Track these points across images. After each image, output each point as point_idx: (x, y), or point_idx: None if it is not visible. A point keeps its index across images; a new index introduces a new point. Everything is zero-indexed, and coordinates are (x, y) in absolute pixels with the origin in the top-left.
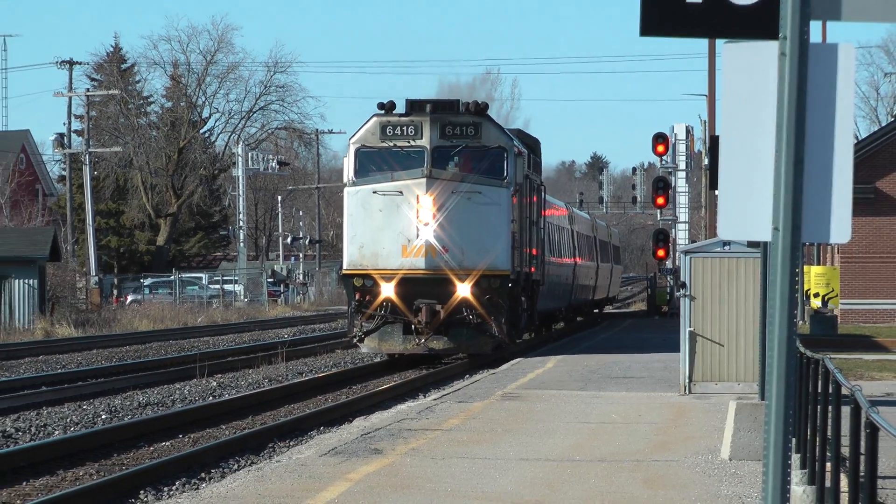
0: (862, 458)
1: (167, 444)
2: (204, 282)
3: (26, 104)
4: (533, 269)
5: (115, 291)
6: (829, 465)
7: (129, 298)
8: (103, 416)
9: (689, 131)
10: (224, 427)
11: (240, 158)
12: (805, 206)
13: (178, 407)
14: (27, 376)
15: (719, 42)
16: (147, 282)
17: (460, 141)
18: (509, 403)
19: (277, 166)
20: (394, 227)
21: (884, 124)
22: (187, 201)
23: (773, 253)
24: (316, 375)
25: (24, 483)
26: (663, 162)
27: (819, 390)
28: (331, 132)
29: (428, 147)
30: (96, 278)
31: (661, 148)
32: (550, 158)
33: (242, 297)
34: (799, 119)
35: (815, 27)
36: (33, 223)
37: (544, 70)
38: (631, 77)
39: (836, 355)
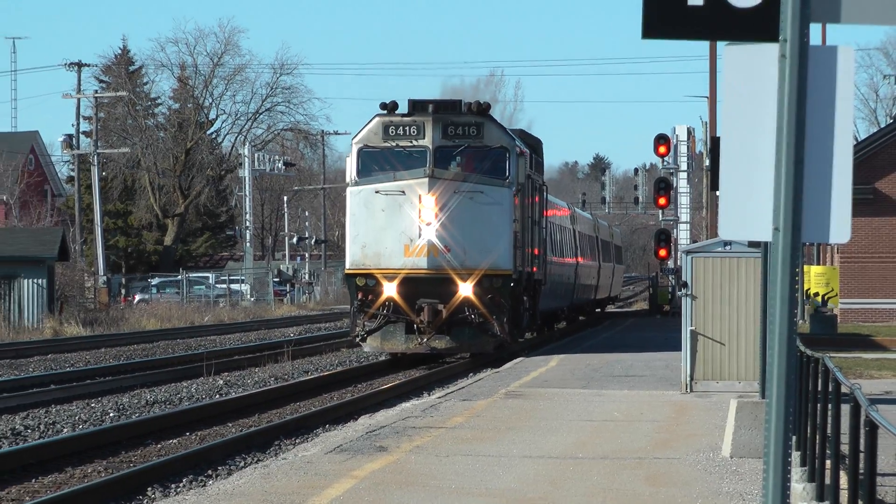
0: (861, 455)
1: (174, 441)
2: (211, 281)
3: (35, 106)
4: (535, 269)
5: (122, 291)
6: (828, 462)
7: (137, 298)
8: (111, 414)
9: (690, 132)
10: (231, 425)
11: (246, 159)
12: (805, 206)
13: (185, 405)
14: (36, 375)
15: (720, 44)
16: (154, 281)
17: (462, 141)
18: (512, 401)
19: (283, 167)
20: (396, 227)
21: (883, 126)
22: (194, 202)
23: (774, 253)
24: (321, 374)
25: (34, 480)
26: (665, 163)
27: (819, 389)
28: (336, 133)
29: (430, 147)
30: (104, 278)
31: (662, 149)
32: (553, 159)
33: (249, 297)
34: (799, 120)
35: (814, 29)
36: (42, 223)
37: (547, 72)
38: (633, 79)
39: (835, 354)
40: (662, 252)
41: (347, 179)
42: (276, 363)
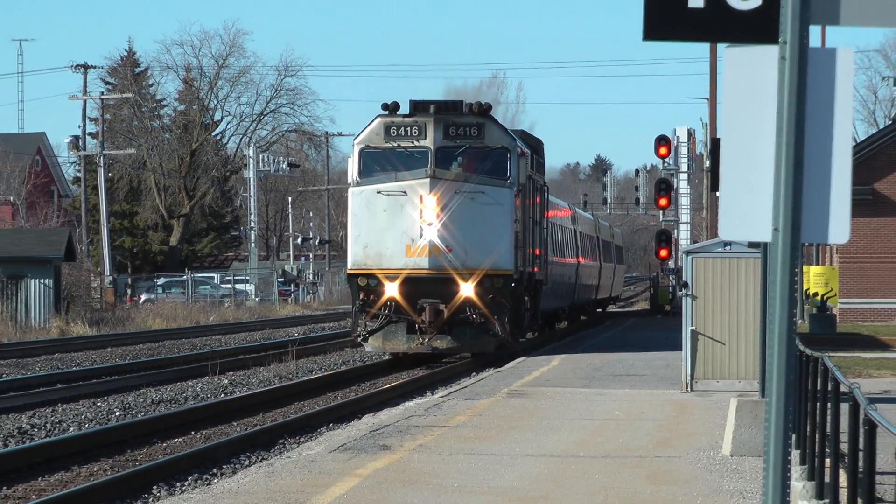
0: (860, 454)
1: (180, 440)
2: (216, 281)
3: (42, 107)
4: (536, 269)
5: (128, 291)
6: (828, 461)
7: (143, 298)
8: (117, 413)
9: (690, 134)
10: (235, 424)
11: (251, 160)
12: (804, 207)
13: (190, 404)
14: (43, 374)
15: (720, 46)
16: (160, 281)
17: (464, 141)
18: (515, 401)
19: (288, 168)
20: (398, 227)
21: (882, 127)
22: (199, 202)
23: (773, 253)
24: (325, 373)
25: (40, 478)
26: (665, 164)
27: (818, 388)
28: (340, 135)
29: (432, 147)
30: (110, 278)
31: (663, 150)
32: (555, 160)
33: (253, 297)
34: (798, 122)
35: (814, 32)
36: (49, 224)
37: (549, 74)
38: (634, 81)
39: (834, 353)
40: (663, 252)
41: (349, 180)
42: (280, 362)
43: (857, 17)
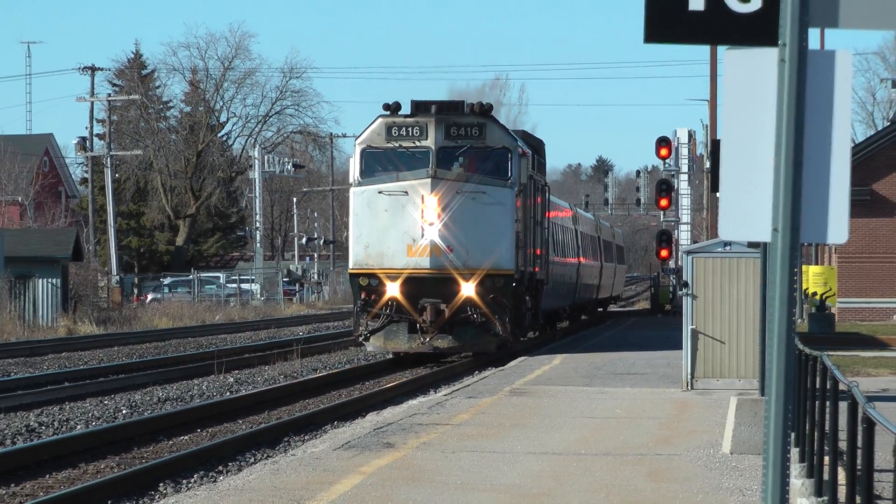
0: (859, 451)
1: (186, 438)
2: (222, 281)
3: (50, 109)
4: (537, 269)
5: (135, 290)
6: (827, 458)
7: (149, 297)
8: (124, 411)
9: (691, 135)
10: (241, 422)
11: (256, 161)
12: (803, 207)
13: (196, 402)
14: (50, 372)
15: (721, 49)
16: (167, 281)
17: (465, 142)
18: (517, 399)
19: (293, 169)
20: (399, 227)
21: (880, 129)
22: (205, 203)
23: (773, 253)
24: (330, 372)
25: (48, 476)
26: (666, 165)
27: (817, 386)
28: (345, 136)
29: (433, 147)
30: (117, 277)
31: (664, 151)
32: (557, 161)
33: (259, 296)
34: (798, 123)
35: (813, 34)
36: (56, 224)
37: (551, 76)
38: (635, 83)
39: (833, 352)
40: (664, 252)
41: (350, 180)
42: (285, 361)
43: (855, 19)
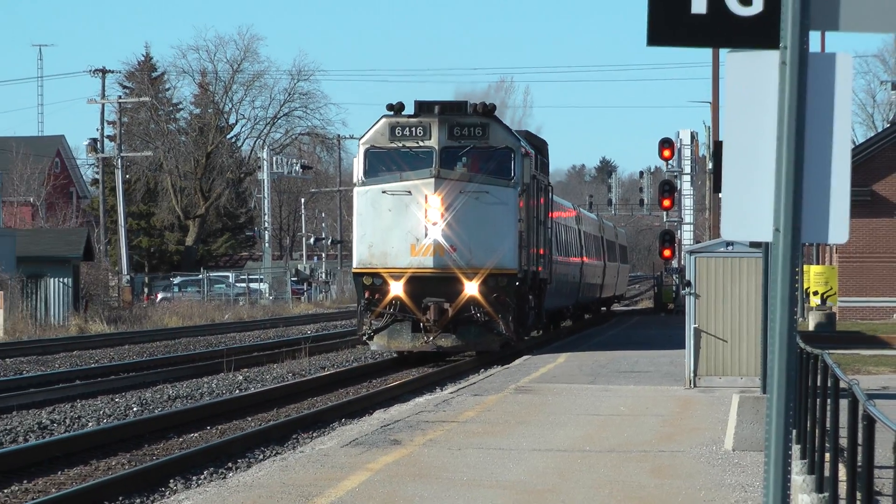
0: (859, 448)
1: (196, 435)
2: (231, 280)
3: (61, 111)
4: (540, 269)
5: (145, 289)
6: (827, 455)
7: (160, 296)
8: (135, 409)
9: (693, 137)
10: (250, 419)
11: (265, 162)
12: (805, 208)
13: (206, 400)
14: (62, 370)
15: (723, 51)
16: (176, 280)
17: (468, 141)
18: (522, 397)
19: (301, 170)
20: (403, 227)
21: (880, 130)
22: (215, 203)
23: (774, 253)
24: (337, 370)
25: (59, 472)
26: (669, 166)
27: (818, 384)
28: (352, 137)
29: (436, 147)
30: (128, 277)
31: (667, 153)
32: (561, 162)
33: (267, 295)
34: (799, 125)
35: (814, 37)
36: (68, 224)
37: (555, 78)
38: (638, 85)
39: (834, 351)
40: (667, 252)
41: (354, 179)
42: (293, 359)
43: (855, 23)
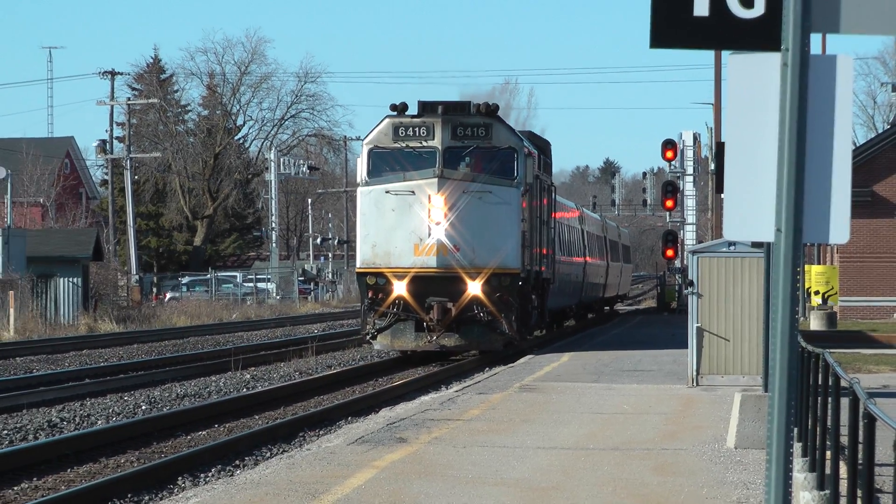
0: (860, 446)
1: (203, 433)
2: (238, 280)
3: (71, 112)
4: (543, 268)
5: (154, 289)
6: (829, 453)
7: (168, 296)
8: (143, 407)
9: (696, 138)
10: (257, 417)
11: (272, 163)
12: (806, 208)
13: (213, 398)
14: (72, 369)
15: (725, 53)
16: (185, 280)
17: (471, 142)
18: (526, 395)
19: (308, 171)
20: (406, 227)
21: (880, 131)
22: (223, 204)
23: (776, 253)
24: (344, 369)
25: (69, 470)
26: (672, 167)
27: (819, 383)
28: (358, 139)
29: (439, 147)
30: (137, 277)
31: (670, 154)
32: (565, 163)
33: (275, 295)
34: (800, 126)
35: (815, 39)
36: (77, 225)
37: (559, 80)
38: (641, 87)
39: (835, 350)
40: (670, 252)
41: (358, 179)
42: (300, 358)
43: (856, 25)
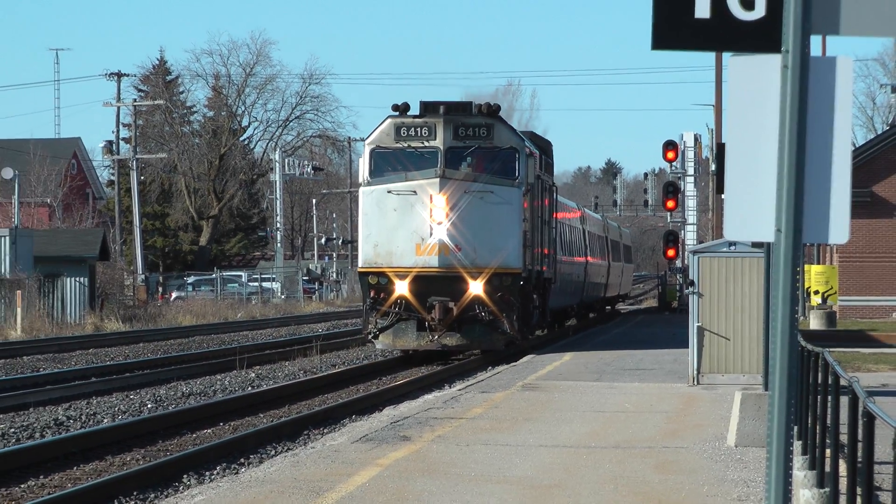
0: (859, 444)
1: (209, 431)
2: (243, 279)
3: (78, 113)
4: (545, 268)
5: (160, 289)
6: (828, 451)
7: (174, 295)
8: (149, 406)
9: (697, 139)
10: (262, 415)
11: (277, 164)
12: (806, 208)
13: (219, 397)
14: (78, 368)
15: (726, 55)
16: (190, 280)
17: (473, 142)
18: (529, 394)
19: (312, 171)
20: (408, 226)
21: (880, 132)
22: (228, 204)
23: (776, 253)
24: (348, 367)
25: (75, 468)
26: (673, 168)
27: (819, 382)
28: (362, 140)
29: (441, 148)
30: (143, 276)
31: (671, 154)
32: (567, 164)
33: (279, 294)
34: (800, 127)
35: (815, 41)
36: (84, 225)
37: (562, 82)
38: (643, 88)
39: (834, 349)
40: (671, 252)
41: (360, 179)
42: (305, 357)
43: (856, 27)
